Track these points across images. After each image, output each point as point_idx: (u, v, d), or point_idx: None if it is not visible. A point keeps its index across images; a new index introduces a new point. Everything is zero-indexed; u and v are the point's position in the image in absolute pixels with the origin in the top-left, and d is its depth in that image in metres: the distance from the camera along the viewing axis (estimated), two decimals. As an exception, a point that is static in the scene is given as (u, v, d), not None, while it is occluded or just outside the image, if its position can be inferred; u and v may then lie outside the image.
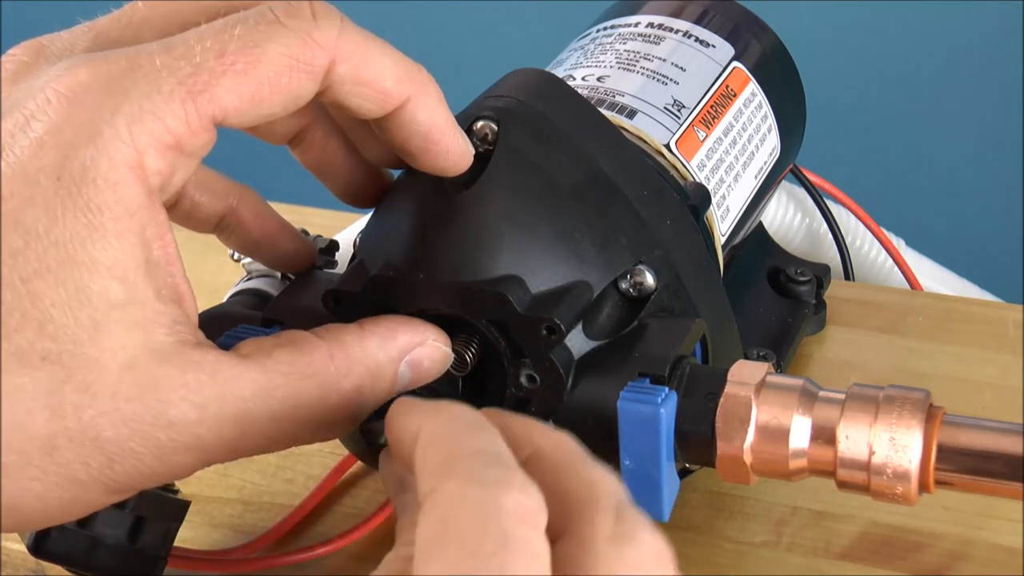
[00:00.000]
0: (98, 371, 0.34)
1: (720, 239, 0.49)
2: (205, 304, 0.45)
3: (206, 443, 0.35)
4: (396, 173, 0.45)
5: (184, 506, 0.45)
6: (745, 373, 0.38)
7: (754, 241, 0.59)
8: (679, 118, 0.49)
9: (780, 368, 0.52)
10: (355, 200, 0.45)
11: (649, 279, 0.41)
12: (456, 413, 0.33)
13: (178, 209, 0.43)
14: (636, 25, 0.53)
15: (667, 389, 0.38)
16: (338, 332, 0.38)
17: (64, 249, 0.34)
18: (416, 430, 0.33)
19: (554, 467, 0.32)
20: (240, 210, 0.44)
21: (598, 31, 0.54)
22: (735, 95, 0.52)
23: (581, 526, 0.31)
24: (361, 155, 0.44)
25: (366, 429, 0.42)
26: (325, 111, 0.43)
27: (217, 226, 0.44)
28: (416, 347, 0.39)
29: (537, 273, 0.40)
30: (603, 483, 0.32)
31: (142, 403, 0.34)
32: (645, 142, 0.47)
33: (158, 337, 0.35)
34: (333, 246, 0.47)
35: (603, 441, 0.38)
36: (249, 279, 0.49)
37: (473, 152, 0.41)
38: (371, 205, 0.45)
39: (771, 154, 0.53)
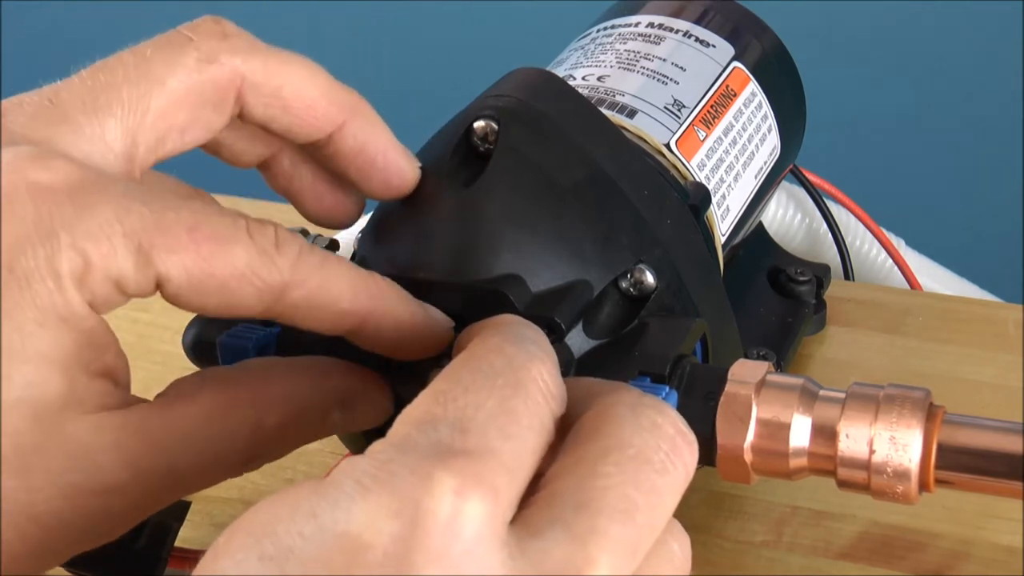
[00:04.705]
0: (37, 457, 0.34)
1: (720, 239, 0.49)
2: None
3: (139, 502, 0.35)
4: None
5: (185, 507, 0.45)
6: (745, 372, 0.38)
7: (754, 241, 0.59)
8: (679, 118, 0.49)
9: (780, 368, 0.52)
10: (327, 224, 0.44)
11: (649, 278, 0.41)
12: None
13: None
14: (636, 25, 0.53)
15: (667, 388, 0.38)
16: (268, 369, 0.38)
17: (6, 342, 0.33)
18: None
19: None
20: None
21: (598, 31, 0.54)
22: (735, 95, 0.52)
23: (602, 400, 0.32)
24: (331, 181, 0.43)
25: None
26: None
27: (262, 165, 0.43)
28: (352, 393, 0.39)
29: (537, 272, 0.40)
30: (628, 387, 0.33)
31: (78, 474, 0.34)
32: (645, 141, 0.47)
33: (89, 411, 0.35)
34: (333, 245, 0.47)
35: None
36: (249, 279, 0.49)
37: (419, 169, 0.41)
38: (344, 227, 0.44)
39: (771, 154, 0.53)
